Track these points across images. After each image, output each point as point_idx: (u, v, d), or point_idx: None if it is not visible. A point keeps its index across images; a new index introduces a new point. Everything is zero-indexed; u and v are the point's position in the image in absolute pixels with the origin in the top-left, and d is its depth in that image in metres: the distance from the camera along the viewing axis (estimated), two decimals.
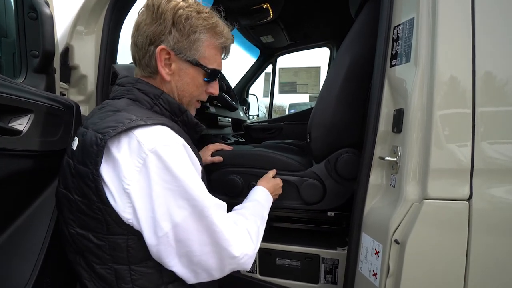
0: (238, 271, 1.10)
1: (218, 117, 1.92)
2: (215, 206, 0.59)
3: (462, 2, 0.65)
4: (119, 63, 1.25)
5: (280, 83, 2.92)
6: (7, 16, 0.89)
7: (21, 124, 0.67)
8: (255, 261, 1.08)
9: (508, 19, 0.65)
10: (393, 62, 0.75)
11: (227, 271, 0.63)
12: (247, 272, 1.10)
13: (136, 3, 1.20)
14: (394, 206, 0.69)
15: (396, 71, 0.74)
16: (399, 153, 0.70)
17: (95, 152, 0.56)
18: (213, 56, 0.71)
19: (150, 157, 0.54)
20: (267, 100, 3.09)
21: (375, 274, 0.72)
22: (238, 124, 2.45)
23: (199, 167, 0.65)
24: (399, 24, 0.74)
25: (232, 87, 2.17)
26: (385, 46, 0.76)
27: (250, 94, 2.96)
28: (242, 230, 0.66)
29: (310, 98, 4.00)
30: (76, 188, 0.59)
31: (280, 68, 2.91)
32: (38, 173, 0.76)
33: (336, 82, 0.97)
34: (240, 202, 0.82)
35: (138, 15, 0.68)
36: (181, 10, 0.64)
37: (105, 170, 0.56)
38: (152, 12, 0.64)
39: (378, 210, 0.75)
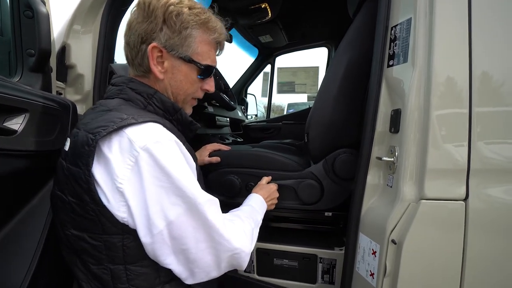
0: (236, 271, 1.10)
1: (216, 117, 1.91)
2: (209, 202, 0.59)
3: (459, 2, 0.65)
4: (116, 62, 1.25)
5: (278, 83, 2.92)
6: (3, 14, 0.89)
7: (16, 123, 0.67)
8: (252, 261, 1.08)
9: (504, 20, 0.65)
10: (391, 63, 0.75)
11: (224, 267, 0.63)
12: (245, 272, 1.10)
13: (134, 2, 1.19)
14: (391, 206, 0.69)
15: (394, 71, 0.74)
16: (396, 153, 0.70)
17: (86, 152, 0.55)
18: (207, 52, 0.70)
19: (141, 155, 0.54)
20: (266, 99, 3.09)
21: (372, 274, 0.72)
22: (236, 124, 2.45)
23: (193, 165, 0.65)
24: (397, 25, 0.74)
25: (231, 86, 2.17)
26: (383, 46, 0.76)
27: (249, 93, 2.96)
28: (238, 227, 0.66)
29: (309, 98, 4.01)
30: (70, 189, 0.59)
31: (278, 68, 2.90)
32: (34, 173, 0.75)
33: (334, 82, 0.97)
34: (238, 203, 0.82)
35: (131, 14, 0.67)
36: (172, 6, 0.63)
37: (97, 170, 0.56)
38: (144, 10, 0.64)
39: (375, 210, 0.75)
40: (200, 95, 0.77)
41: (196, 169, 0.67)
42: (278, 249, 1.05)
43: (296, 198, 1.03)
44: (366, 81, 0.85)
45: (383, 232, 0.68)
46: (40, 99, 0.73)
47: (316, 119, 1.01)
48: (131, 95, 0.66)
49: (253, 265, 1.08)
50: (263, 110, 3.73)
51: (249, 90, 2.95)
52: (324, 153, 1.01)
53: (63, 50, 1.09)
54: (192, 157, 0.66)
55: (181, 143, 0.61)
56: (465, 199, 0.64)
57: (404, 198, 0.67)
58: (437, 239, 0.65)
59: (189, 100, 0.75)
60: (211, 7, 0.73)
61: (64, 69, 1.10)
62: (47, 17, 0.81)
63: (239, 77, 2.84)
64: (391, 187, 0.72)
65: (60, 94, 1.09)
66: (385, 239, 0.68)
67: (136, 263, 0.60)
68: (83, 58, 1.11)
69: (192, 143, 0.72)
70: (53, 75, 0.98)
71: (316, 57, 3.00)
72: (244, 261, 0.64)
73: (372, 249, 0.72)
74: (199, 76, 0.71)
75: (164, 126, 0.61)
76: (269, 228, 1.15)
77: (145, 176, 0.54)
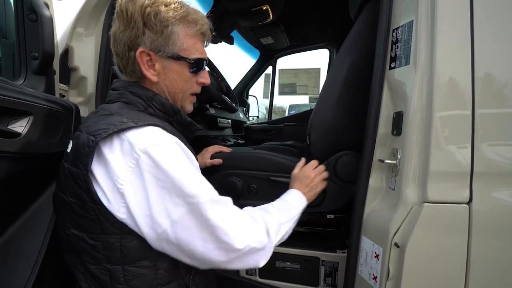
0: (238, 273, 1.10)
1: (218, 119, 1.92)
2: (211, 201, 0.58)
3: (461, 4, 0.65)
4: None
5: (280, 85, 2.93)
6: (7, 18, 0.89)
7: (20, 126, 0.67)
8: None
9: (506, 21, 0.65)
10: (392, 65, 0.75)
11: (238, 265, 0.62)
12: (247, 274, 1.10)
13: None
14: (394, 209, 0.68)
15: (396, 73, 0.74)
16: (399, 156, 0.69)
17: (86, 153, 0.56)
18: (193, 45, 0.69)
19: (142, 157, 0.55)
20: (267, 101, 3.09)
21: (375, 278, 0.72)
22: (238, 125, 2.45)
23: (197, 164, 0.65)
24: (398, 27, 0.74)
25: (232, 88, 2.17)
26: (384, 48, 0.76)
27: (250, 95, 2.96)
28: (247, 222, 0.64)
29: (310, 100, 4.00)
30: (70, 189, 0.60)
31: (280, 70, 2.91)
32: (37, 175, 0.76)
33: (335, 84, 0.97)
34: (240, 205, 0.81)
35: (112, 25, 0.68)
36: (148, 8, 0.63)
37: (98, 171, 0.57)
38: (123, 18, 0.64)
39: (377, 213, 0.75)
40: (197, 89, 0.76)
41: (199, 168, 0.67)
42: (280, 251, 1.05)
43: None
44: (368, 83, 0.85)
45: (385, 235, 0.68)
46: (43, 102, 0.74)
47: (318, 121, 1.01)
48: (131, 98, 0.67)
49: (255, 268, 1.08)
50: (265, 112, 3.73)
51: (251, 91, 2.96)
52: (326, 155, 1.01)
53: (66, 53, 1.10)
54: (195, 158, 0.66)
55: (182, 144, 0.62)
56: (469, 202, 0.64)
57: (407, 201, 0.66)
58: (441, 242, 0.64)
59: (187, 97, 0.75)
60: (212, 11, 0.74)
61: (67, 72, 1.11)
62: (51, 20, 0.82)
63: (241, 79, 2.84)
64: (393, 189, 0.72)
65: (63, 96, 1.10)
66: (388, 242, 0.67)
67: (134, 264, 0.60)
68: (86, 60, 1.11)
69: (194, 144, 0.73)
70: (56, 77, 0.99)
71: (317, 59, 3.00)
72: (256, 258, 0.63)
73: (375, 252, 0.72)
74: (191, 71, 0.71)
75: (164, 129, 0.61)
76: None
77: (146, 177, 0.55)
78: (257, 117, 3.24)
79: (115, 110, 0.63)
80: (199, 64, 0.71)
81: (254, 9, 1.90)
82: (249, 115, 2.96)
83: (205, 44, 0.74)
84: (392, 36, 0.76)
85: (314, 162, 0.94)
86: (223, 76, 1.90)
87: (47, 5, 0.84)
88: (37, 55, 0.84)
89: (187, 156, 0.61)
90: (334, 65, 1.07)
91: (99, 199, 0.56)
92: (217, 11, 1.79)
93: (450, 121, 0.65)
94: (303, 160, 0.97)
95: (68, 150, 0.63)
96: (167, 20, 0.64)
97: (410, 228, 0.65)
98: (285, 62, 2.95)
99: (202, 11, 0.74)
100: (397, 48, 0.74)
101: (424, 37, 0.67)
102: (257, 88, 3.02)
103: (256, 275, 1.09)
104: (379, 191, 0.77)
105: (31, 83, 0.84)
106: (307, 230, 1.15)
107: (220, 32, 2.03)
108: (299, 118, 2.38)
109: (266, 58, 2.79)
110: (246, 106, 2.88)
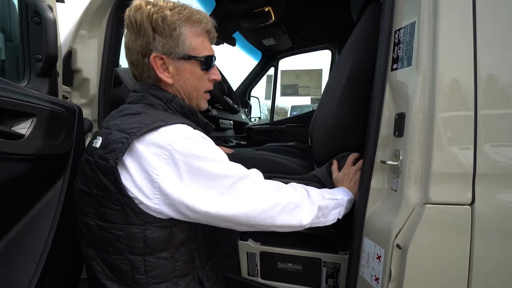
0: (239, 274, 1.10)
1: (220, 120, 1.92)
2: (243, 177, 0.65)
3: (463, 5, 0.65)
4: (121, 67, 1.26)
5: (282, 86, 2.93)
6: (11, 21, 0.91)
7: (24, 128, 0.68)
8: (256, 264, 1.07)
9: (509, 22, 0.64)
10: (395, 66, 0.75)
11: (278, 220, 0.68)
12: (249, 275, 1.10)
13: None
14: (396, 211, 0.68)
15: (398, 75, 0.74)
16: (401, 157, 0.69)
17: (119, 148, 0.60)
18: (201, 44, 0.73)
19: (175, 149, 0.60)
20: (269, 102, 3.09)
21: (377, 279, 0.71)
22: (240, 126, 2.46)
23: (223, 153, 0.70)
24: (400, 28, 0.74)
25: (234, 89, 2.18)
26: (386, 50, 0.76)
27: (252, 96, 2.97)
28: (280, 184, 0.72)
29: (312, 101, 4.00)
30: (96, 182, 0.63)
31: (282, 71, 2.91)
32: (40, 176, 0.76)
33: (337, 86, 0.97)
34: None
35: (124, 36, 0.73)
36: (155, 14, 0.67)
37: (130, 164, 0.61)
38: (133, 28, 0.68)
39: (379, 214, 0.75)
40: (210, 86, 0.80)
41: None
42: (282, 252, 1.05)
43: None
44: (370, 84, 0.84)
45: (387, 237, 0.68)
46: (47, 104, 0.74)
47: (320, 122, 1.01)
48: (152, 100, 0.71)
49: (257, 269, 1.08)
50: (267, 113, 3.73)
51: (253, 92, 2.96)
52: (328, 156, 1.00)
53: (70, 55, 1.11)
54: None
55: (207, 137, 0.68)
56: (471, 203, 0.64)
57: (409, 202, 0.66)
58: (443, 244, 0.64)
59: (202, 95, 0.79)
60: (214, 12, 0.76)
61: (70, 74, 1.12)
62: (54, 23, 0.83)
63: (243, 80, 2.85)
64: (395, 191, 0.72)
65: (66, 98, 1.11)
66: (390, 243, 0.67)
67: (155, 255, 0.64)
68: (89, 62, 1.12)
69: None
70: (60, 79, 1.00)
71: (319, 60, 3.00)
72: (299, 217, 0.70)
73: (377, 254, 0.72)
74: (202, 68, 0.74)
75: (190, 126, 0.67)
76: (273, 232, 1.15)
77: (181, 167, 0.60)
78: (259, 118, 3.25)
79: (141, 110, 0.68)
80: (208, 61, 0.75)
81: (256, 10, 1.91)
82: (251, 116, 2.96)
83: (211, 41, 0.78)
84: (394, 38, 0.76)
85: (350, 160, 0.95)
86: (225, 78, 1.91)
87: (51, 8, 0.85)
88: (40, 57, 0.85)
89: (213, 145, 0.66)
90: (336, 66, 1.07)
91: (126, 190, 0.60)
92: (219, 13, 1.80)
93: (452, 122, 0.64)
94: (335, 163, 0.98)
95: (97, 145, 0.66)
96: (174, 23, 0.68)
97: (412, 230, 0.64)
98: (287, 63, 2.96)
99: None
100: (399, 50, 0.74)
101: (426, 39, 0.67)
102: (259, 89, 3.03)
103: (257, 276, 1.08)
104: (381, 193, 0.77)
105: (35, 85, 0.85)
106: (309, 231, 1.14)
107: (222, 33, 2.04)
108: (301, 119, 2.38)
109: (268, 59, 2.80)
110: (248, 107, 2.88)
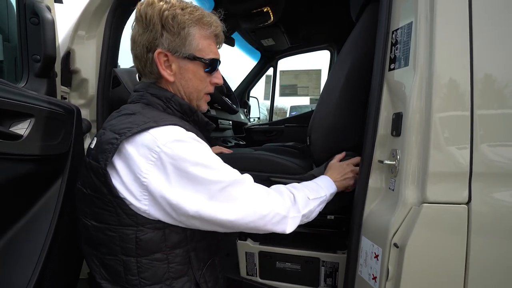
0: (238, 273, 1.10)
1: (219, 120, 1.92)
2: (233, 183, 0.64)
3: (460, 6, 0.65)
4: (120, 67, 1.26)
5: (280, 86, 2.93)
6: (10, 21, 0.90)
7: (22, 128, 0.68)
8: (255, 264, 1.08)
9: (505, 22, 0.65)
10: (392, 66, 0.75)
11: (267, 228, 0.69)
12: (247, 275, 1.10)
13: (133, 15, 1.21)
14: (393, 210, 0.68)
15: (395, 75, 0.74)
16: (398, 157, 0.70)
17: (109, 149, 0.60)
18: (207, 46, 0.73)
19: (163, 151, 0.59)
20: (268, 102, 3.09)
21: (374, 278, 0.72)
22: (239, 126, 2.46)
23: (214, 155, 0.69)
24: (398, 28, 0.74)
25: (233, 90, 2.18)
26: (384, 50, 0.77)
27: (251, 96, 2.97)
28: (269, 192, 0.71)
29: (311, 101, 4.00)
30: (89, 183, 0.64)
31: (281, 71, 2.91)
32: (39, 176, 0.76)
33: (336, 86, 0.97)
34: None
35: (132, 29, 0.72)
36: (166, 11, 0.67)
37: (120, 166, 0.61)
38: (142, 22, 0.68)
39: (377, 214, 0.75)
40: (211, 89, 0.80)
41: None
42: (280, 252, 1.05)
43: None
44: (369, 84, 0.85)
45: (385, 236, 0.68)
46: (45, 104, 0.74)
47: (318, 122, 1.01)
48: (150, 99, 0.71)
49: (256, 268, 1.08)
50: (266, 113, 3.74)
51: (252, 93, 2.96)
52: (326, 156, 1.01)
53: (68, 55, 1.11)
54: None
55: (200, 139, 0.66)
56: (468, 202, 0.64)
57: (406, 202, 0.67)
58: (440, 242, 0.64)
59: (202, 96, 0.78)
60: (218, 12, 0.76)
61: (69, 74, 1.12)
62: (53, 23, 0.83)
63: (242, 80, 2.85)
64: (393, 190, 0.72)
65: (65, 98, 1.11)
66: (387, 242, 0.67)
67: (148, 256, 0.63)
68: (87, 63, 1.12)
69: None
70: (58, 80, 1.00)
71: (318, 60, 3.01)
72: (284, 226, 0.70)
73: (375, 253, 0.72)
74: (206, 70, 0.74)
75: (184, 127, 0.65)
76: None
77: (169, 169, 0.59)
78: (258, 118, 3.25)
79: (137, 110, 0.67)
80: (213, 64, 0.75)
81: (254, 11, 1.91)
82: (250, 116, 2.96)
83: (218, 46, 0.78)
84: (392, 38, 0.76)
85: (354, 160, 0.94)
86: (224, 78, 1.91)
87: (49, 9, 0.85)
88: (39, 58, 0.85)
89: (205, 147, 0.65)
90: (335, 66, 1.07)
91: (117, 192, 0.60)
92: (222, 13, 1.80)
93: (449, 122, 0.65)
94: (343, 153, 0.98)
95: (92, 146, 0.67)
96: (184, 22, 0.68)
97: (409, 229, 0.65)
98: (286, 64, 2.97)
99: None
100: (396, 50, 0.75)
101: (423, 39, 0.67)
102: (258, 90, 3.04)
103: (256, 276, 1.09)
104: (378, 192, 0.77)
105: (33, 86, 0.85)
106: (307, 231, 1.15)
107: None
108: (300, 119, 2.39)
109: (267, 60, 2.80)
110: (247, 107, 2.89)
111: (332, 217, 1.04)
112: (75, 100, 1.14)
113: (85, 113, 1.13)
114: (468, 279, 0.64)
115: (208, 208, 0.61)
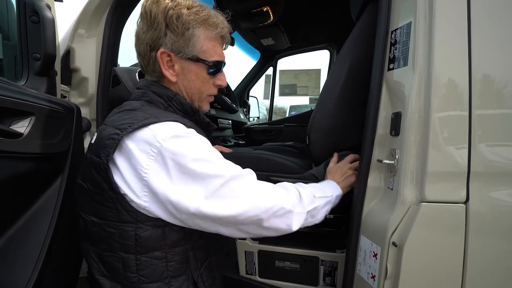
0: (237, 272, 1.10)
1: (218, 119, 1.92)
2: (234, 177, 0.62)
3: (459, 6, 0.65)
4: (120, 66, 1.26)
5: (280, 85, 2.93)
6: (9, 20, 0.90)
7: (22, 126, 0.68)
8: (254, 263, 1.08)
9: (503, 23, 0.65)
10: (391, 66, 0.75)
11: (269, 224, 0.66)
12: (247, 274, 1.10)
13: (137, 7, 1.21)
14: (392, 209, 0.69)
15: (394, 74, 0.74)
16: (397, 156, 0.70)
17: (110, 144, 0.60)
18: (212, 48, 0.72)
19: (163, 146, 0.58)
20: (268, 102, 3.10)
21: (373, 277, 0.72)
22: (238, 126, 2.46)
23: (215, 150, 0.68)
24: (397, 28, 0.75)
25: (233, 89, 2.18)
26: (383, 50, 0.77)
27: (251, 96, 2.97)
28: (273, 186, 0.70)
29: (311, 100, 4.01)
30: (90, 178, 0.63)
31: (280, 71, 2.91)
32: (39, 175, 0.76)
33: (336, 85, 0.97)
34: None
35: (137, 25, 0.71)
36: (171, 10, 0.65)
37: (120, 162, 0.60)
38: (147, 19, 0.67)
39: (376, 213, 0.75)
40: (214, 91, 0.79)
41: None
42: (280, 251, 1.05)
43: None
44: (368, 84, 0.85)
45: (384, 235, 0.68)
46: (45, 103, 0.74)
47: (318, 121, 1.01)
48: (152, 97, 0.70)
49: (255, 267, 1.09)
50: (265, 113, 3.74)
51: (251, 92, 2.96)
52: (326, 155, 1.01)
53: (68, 54, 1.11)
54: None
55: (200, 135, 0.66)
56: (466, 201, 0.65)
57: (405, 201, 0.67)
58: (438, 241, 0.65)
59: (205, 97, 0.77)
60: (225, 13, 0.75)
61: (69, 73, 1.12)
62: (53, 22, 0.83)
63: (241, 80, 2.85)
64: (392, 189, 0.72)
65: (65, 97, 1.11)
66: (386, 241, 0.68)
67: (147, 254, 0.63)
68: (87, 61, 1.12)
69: None
70: (58, 78, 1.00)
71: (318, 60, 3.01)
72: (289, 222, 0.68)
73: (373, 252, 0.72)
74: (209, 72, 0.73)
75: (185, 124, 0.65)
76: None
77: (169, 165, 0.58)
78: (258, 118, 3.25)
79: (137, 107, 0.67)
80: (217, 66, 0.74)
81: (254, 10, 1.92)
82: (250, 116, 2.96)
83: (224, 47, 0.77)
84: (391, 38, 0.77)
85: (349, 158, 0.94)
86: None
87: (49, 7, 0.85)
88: (39, 56, 0.85)
89: (205, 143, 0.65)
90: (335, 66, 1.07)
91: (117, 188, 0.60)
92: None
93: (447, 122, 0.65)
94: (335, 155, 0.97)
95: (93, 141, 0.67)
96: (189, 23, 0.67)
97: (408, 228, 0.65)
98: (286, 63, 2.96)
99: None
100: (395, 50, 0.75)
101: (422, 39, 0.68)
102: (258, 89, 3.04)
103: (256, 275, 1.09)
104: (377, 191, 0.78)
105: (33, 84, 0.85)
106: (306, 230, 1.15)
107: None
108: (300, 119, 2.39)
109: (267, 59, 2.80)
110: (247, 107, 2.89)
111: (331, 216, 1.05)
112: (75, 98, 1.14)
113: (85, 112, 1.13)
114: (466, 278, 0.64)
115: (209, 204, 0.60)
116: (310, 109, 3.04)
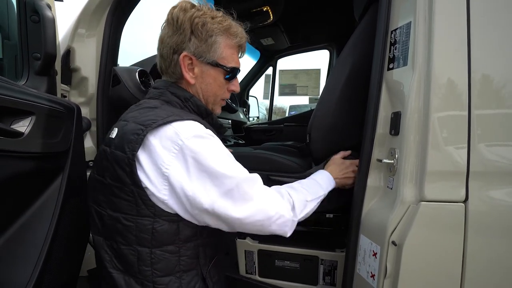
0: (237, 272, 1.11)
1: (218, 119, 1.92)
2: (245, 180, 0.66)
3: (458, 6, 0.66)
4: (119, 65, 1.26)
5: (280, 85, 2.93)
6: (10, 19, 0.90)
7: (23, 126, 0.68)
8: (254, 262, 1.08)
9: (503, 23, 0.66)
10: (391, 66, 0.76)
11: (270, 229, 0.71)
12: (246, 273, 1.11)
13: (136, 7, 1.21)
14: (392, 208, 0.69)
15: (394, 74, 0.74)
16: (397, 156, 0.70)
17: (135, 140, 0.63)
18: (231, 55, 0.77)
19: (185, 144, 0.62)
20: (268, 102, 3.10)
21: (373, 276, 0.72)
22: (238, 126, 2.46)
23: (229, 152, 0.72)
24: (397, 28, 0.75)
25: None
26: (383, 49, 0.77)
27: (250, 96, 2.97)
28: (275, 195, 0.73)
29: (310, 100, 4.01)
30: (111, 173, 0.66)
31: (280, 70, 2.92)
32: (39, 174, 0.77)
33: (337, 85, 0.97)
34: None
35: (161, 30, 0.76)
36: (197, 18, 0.71)
37: (143, 157, 0.63)
38: (173, 25, 0.72)
39: (375, 212, 0.76)
40: (227, 95, 0.84)
41: None
42: (279, 250, 1.06)
43: None
44: (368, 84, 0.85)
45: (383, 234, 0.69)
46: (46, 102, 0.74)
47: (318, 120, 1.01)
48: (170, 97, 0.75)
49: (255, 267, 1.09)
50: (265, 112, 3.74)
51: (251, 92, 2.97)
52: (325, 155, 1.01)
53: (68, 54, 1.11)
54: None
55: (217, 137, 0.70)
56: (465, 201, 0.65)
57: (404, 200, 0.67)
58: (437, 240, 0.65)
59: (219, 101, 0.83)
60: (230, 13, 0.78)
61: (69, 72, 1.12)
62: (53, 21, 0.83)
63: (241, 80, 2.85)
64: (391, 189, 0.73)
65: (65, 96, 1.11)
66: (386, 240, 0.68)
67: (161, 248, 0.66)
68: (87, 61, 1.13)
69: None
70: (58, 78, 1.00)
71: (318, 60, 3.01)
72: (284, 227, 0.72)
73: (373, 251, 0.73)
74: (226, 77, 0.78)
75: (204, 125, 0.69)
76: None
77: (189, 162, 0.62)
78: (258, 117, 3.25)
79: (158, 105, 0.72)
80: (234, 72, 0.79)
81: (254, 10, 1.92)
82: (250, 115, 2.97)
83: (240, 55, 0.82)
84: (391, 38, 0.77)
85: (356, 161, 0.93)
86: None
87: (49, 7, 0.85)
88: (39, 56, 0.85)
89: (221, 145, 0.69)
90: (336, 65, 1.07)
91: (140, 181, 0.63)
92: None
93: (447, 121, 0.65)
94: (349, 151, 0.99)
95: (113, 136, 0.69)
96: (213, 31, 0.73)
97: (407, 227, 0.65)
98: (285, 63, 2.96)
99: None
100: (395, 49, 0.75)
101: (422, 39, 0.68)
102: (258, 89, 3.04)
103: (255, 274, 1.09)
104: (377, 190, 0.78)
105: (33, 84, 0.85)
106: (306, 229, 1.16)
107: None
108: (299, 118, 2.39)
109: (267, 59, 2.80)
110: (247, 106, 2.89)
111: (331, 215, 1.05)
112: (75, 98, 1.14)
113: (85, 111, 1.13)
114: (465, 276, 0.65)
115: (222, 202, 0.64)
116: (309, 109, 3.05)
